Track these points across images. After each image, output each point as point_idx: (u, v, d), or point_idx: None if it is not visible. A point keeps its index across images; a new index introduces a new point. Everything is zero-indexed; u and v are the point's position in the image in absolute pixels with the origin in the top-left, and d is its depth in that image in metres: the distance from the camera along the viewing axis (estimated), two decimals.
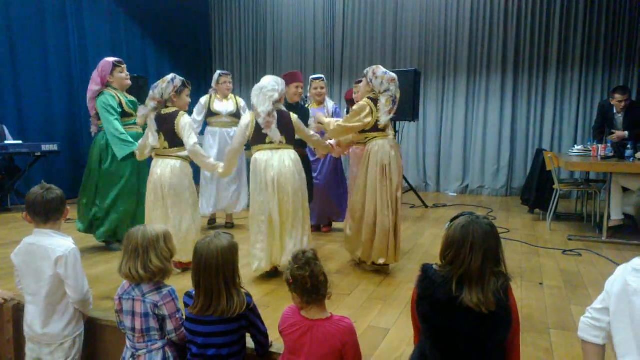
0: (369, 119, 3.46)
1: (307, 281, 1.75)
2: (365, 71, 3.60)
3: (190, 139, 3.39)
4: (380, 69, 3.50)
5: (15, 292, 2.57)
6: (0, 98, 6.10)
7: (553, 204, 5.19)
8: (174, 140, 3.43)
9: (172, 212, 3.40)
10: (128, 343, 2.05)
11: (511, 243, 4.44)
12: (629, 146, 4.78)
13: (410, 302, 1.78)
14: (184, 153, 3.46)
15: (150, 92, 3.44)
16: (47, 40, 6.56)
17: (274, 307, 2.82)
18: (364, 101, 3.50)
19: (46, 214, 2.18)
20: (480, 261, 1.57)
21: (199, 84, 8.21)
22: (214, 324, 1.87)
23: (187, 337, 1.96)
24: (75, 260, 2.16)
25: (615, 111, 5.59)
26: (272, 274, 3.46)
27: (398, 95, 3.52)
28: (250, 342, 2.06)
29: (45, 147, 5.89)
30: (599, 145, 5.02)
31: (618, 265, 3.76)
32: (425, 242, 4.58)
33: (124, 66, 4.10)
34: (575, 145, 6.01)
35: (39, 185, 2.23)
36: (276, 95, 3.35)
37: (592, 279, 3.46)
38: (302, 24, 8.76)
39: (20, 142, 5.85)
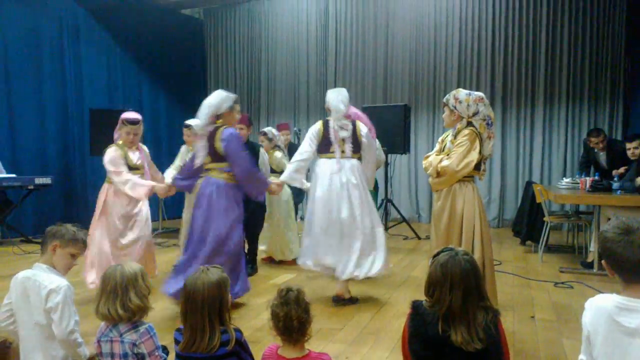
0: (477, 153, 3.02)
1: (288, 320, 1.75)
2: (445, 99, 3.17)
3: None
4: (462, 92, 3.10)
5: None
6: None
7: (544, 236, 5.23)
8: None
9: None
10: None
11: (503, 275, 4.44)
12: (615, 179, 4.87)
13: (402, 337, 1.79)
14: None
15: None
16: (43, 73, 6.68)
17: (265, 343, 2.78)
18: (469, 129, 3.02)
19: (41, 243, 2.28)
20: (461, 300, 1.58)
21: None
22: None
23: None
24: (64, 297, 2.13)
25: (596, 150, 5.76)
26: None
27: (492, 115, 3.12)
28: None
29: (39, 181, 5.88)
30: (587, 178, 5.11)
31: None
32: (418, 274, 4.57)
33: None
34: (564, 178, 6.09)
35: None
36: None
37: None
38: (295, 63, 8.98)
39: (13, 175, 5.85)
